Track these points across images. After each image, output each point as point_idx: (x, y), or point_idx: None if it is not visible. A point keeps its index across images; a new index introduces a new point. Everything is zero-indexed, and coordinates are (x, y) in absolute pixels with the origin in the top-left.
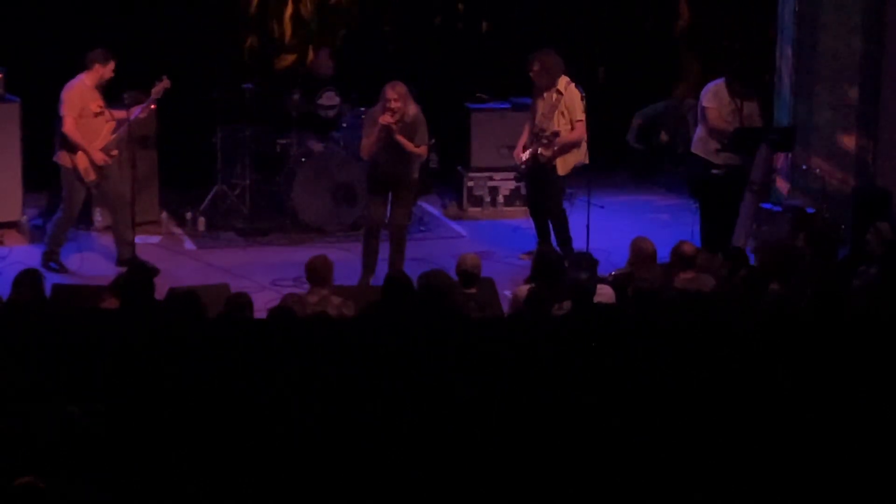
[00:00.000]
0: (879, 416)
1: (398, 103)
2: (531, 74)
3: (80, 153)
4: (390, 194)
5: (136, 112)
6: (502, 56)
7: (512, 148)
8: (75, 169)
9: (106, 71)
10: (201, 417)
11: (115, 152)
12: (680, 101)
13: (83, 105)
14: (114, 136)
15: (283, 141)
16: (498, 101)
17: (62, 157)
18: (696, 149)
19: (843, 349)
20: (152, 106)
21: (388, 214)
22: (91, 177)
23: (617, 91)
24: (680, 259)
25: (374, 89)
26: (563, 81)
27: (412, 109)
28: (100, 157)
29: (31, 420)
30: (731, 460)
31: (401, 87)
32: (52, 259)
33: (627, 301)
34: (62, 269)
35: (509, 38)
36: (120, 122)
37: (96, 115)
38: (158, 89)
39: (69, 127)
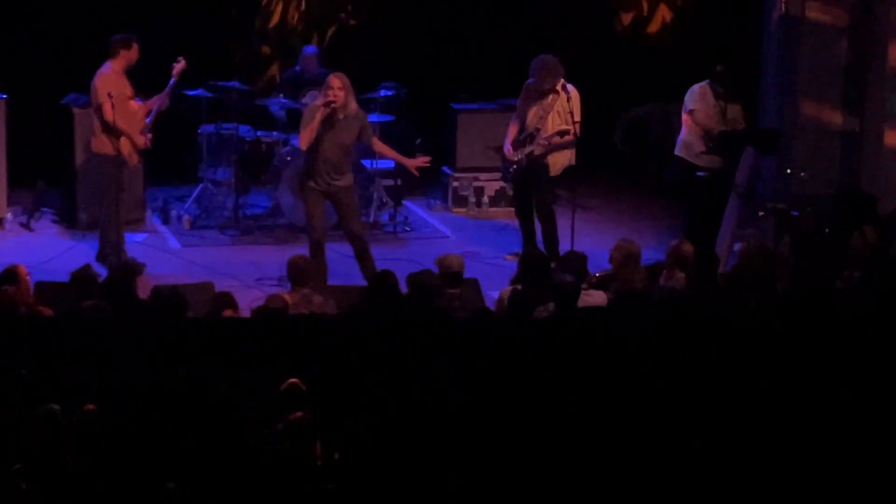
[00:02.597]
0: (865, 416)
1: (341, 91)
2: (542, 83)
3: (123, 138)
4: (332, 204)
5: (163, 97)
6: (489, 57)
7: (498, 149)
8: (118, 155)
9: (131, 54)
10: (185, 416)
11: (150, 135)
12: (666, 103)
13: (118, 91)
14: (147, 121)
15: (269, 140)
16: (484, 101)
17: (102, 146)
18: (679, 152)
19: (827, 351)
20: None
21: (344, 226)
22: (134, 160)
23: (603, 93)
24: (678, 258)
25: (359, 89)
26: (560, 83)
27: (353, 104)
28: (141, 140)
29: (14, 418)
30: (715, 461)
31: (345, 79)
32: (109, 255)
33: (611, 302)
34: (137, 265)
35: (495, 38)
36: (150, 109)
37: (130, 98)
38: (177, 70)
39: (109, 114)
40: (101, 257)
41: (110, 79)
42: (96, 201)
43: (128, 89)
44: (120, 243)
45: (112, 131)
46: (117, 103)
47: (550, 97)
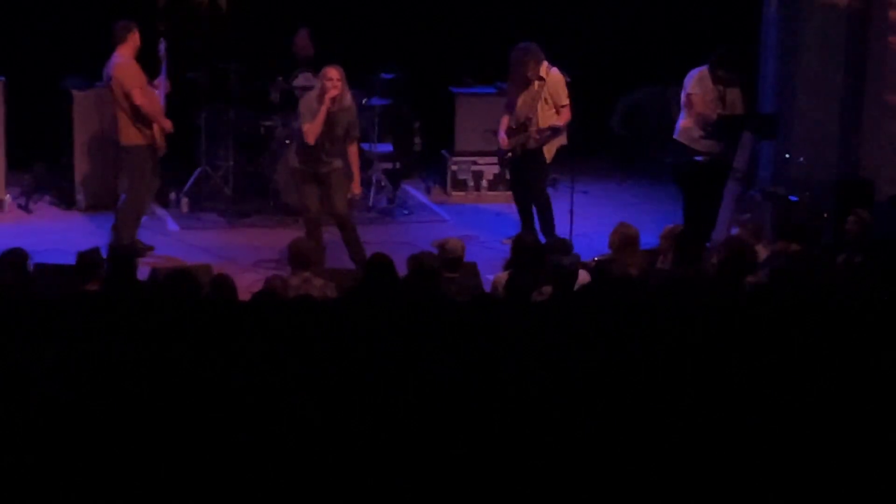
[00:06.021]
0: (861, 401)
1: (339, 83)
2: (524, 71)
3: (155, 126)
4: (320, 186)
5: (163, 80)
6: (488, 40)
7: (496, 133)
8: (153, 144)
9: (136, 38)
10: (183, 400)
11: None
12: (664, 87)
13: (141, 77)
14: (162, 104)
15: (267, 122)
16: (483, 85)
17: (134, 137)
18: (679, 136)
19: (823, 336)
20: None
21: (331, 208)
22: (163, 148)
23: (601, 76)
24: (673, 242)
25: (358, 72)
26: (544, 67)
27: (348, 96)
28: (168, 124)
29: (14, 400)
30: (708, 447)
31: (341, 71)
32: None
33: (605, 286)
34: (146, 248)
35: (495, 22)
36: (159, 93)
37: (148, 83)
38: (163, 51)
39: (140, 99)
40: (114, 241)
41: (131, 66)
42: (117, 189)
43: (143, 75)
44: (136, 228)
45: (144, 119)
46: (144, 90)
47: (537, 84)
